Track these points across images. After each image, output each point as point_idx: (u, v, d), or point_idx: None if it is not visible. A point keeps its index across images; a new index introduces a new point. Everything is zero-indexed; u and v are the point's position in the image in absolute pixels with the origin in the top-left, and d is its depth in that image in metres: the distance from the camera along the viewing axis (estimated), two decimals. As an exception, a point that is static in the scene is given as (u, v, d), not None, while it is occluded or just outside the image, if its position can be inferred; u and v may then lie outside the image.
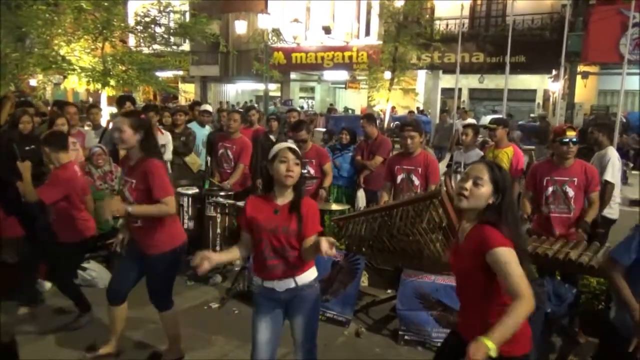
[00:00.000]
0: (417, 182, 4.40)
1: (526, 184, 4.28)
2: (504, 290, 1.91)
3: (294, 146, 2.59)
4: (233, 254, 2.70)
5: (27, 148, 4.76)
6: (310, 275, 2.62)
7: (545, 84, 19.32)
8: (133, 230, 3.20)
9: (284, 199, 2.56)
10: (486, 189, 2.03)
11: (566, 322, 3.70)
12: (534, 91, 21.10)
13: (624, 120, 13.21)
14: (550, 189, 3.96)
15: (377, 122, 6.97)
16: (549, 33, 16.43)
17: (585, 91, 16.15)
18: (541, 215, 4.05)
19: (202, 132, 6.76)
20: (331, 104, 23.84)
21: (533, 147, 11.88)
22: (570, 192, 3.90)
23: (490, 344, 1.72)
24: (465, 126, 5.82)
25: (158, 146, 3.33)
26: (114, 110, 8.59)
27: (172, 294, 3.31)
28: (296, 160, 2.50)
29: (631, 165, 12.13)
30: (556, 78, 15.25)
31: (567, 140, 3.84)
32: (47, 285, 4.59)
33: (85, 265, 4.69)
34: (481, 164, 2.13)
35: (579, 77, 15.61)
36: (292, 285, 2.56)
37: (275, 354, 2.67)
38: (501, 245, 1.93)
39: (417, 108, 19.29)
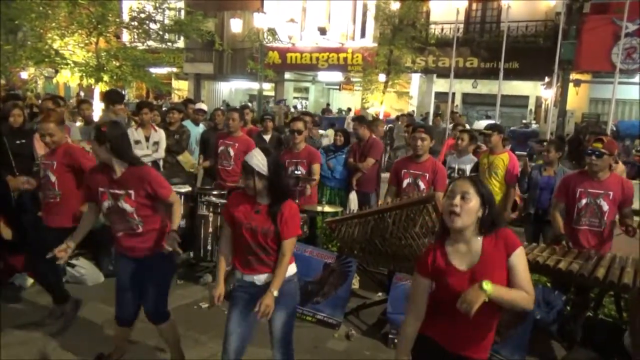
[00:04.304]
0: (423, 187, 4.28)
1: (557, 194, 4.12)
2: (516, 285, 1.98)
3: (247, 159, 2.58)
4: (223, 267, 2.76)
5: (17, 142, 4.69)
6: (288, 270, 2.67)
7: (537, 91, 19.45)
8: (127, 239, 3.01)
9: (263, 199, 2.62)
10: (474, 202, 2.03)
11: (555, 329, 3.72)
12: (527, 97, 21.23)
13: (614, 128, 13.34)
14: (584, 201, 3.84)
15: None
16: (543, 40, 16.58)
17: (577, 99, 16.27)
18: (569, 227, 3.95)
19: (196, 131, 6.73)
20: (328, 104, 23.84)
21: (525, 153, 11.94)
22: (605, 206, 3.80)
23: (488, 287, 1.86)
24: (462, 131, 5.80)
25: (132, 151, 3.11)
26: (107, 105, 8.51)
27: (167, 303, 3.16)
28: (247, 176, 2.55)
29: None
30: (549, 85, 15.35)
31: (590, 151, 3.77)
32: (30, 281, 4.53)
33: (74, 262, 4.65)
34: (464, 180, 2.13)
35: (571, 84, 15.72)
36: (270, 279, 2.62)
37: (244, 346, 2.68)
38: (520, 244, 2.05)
39: (413, 111, 19.37)
